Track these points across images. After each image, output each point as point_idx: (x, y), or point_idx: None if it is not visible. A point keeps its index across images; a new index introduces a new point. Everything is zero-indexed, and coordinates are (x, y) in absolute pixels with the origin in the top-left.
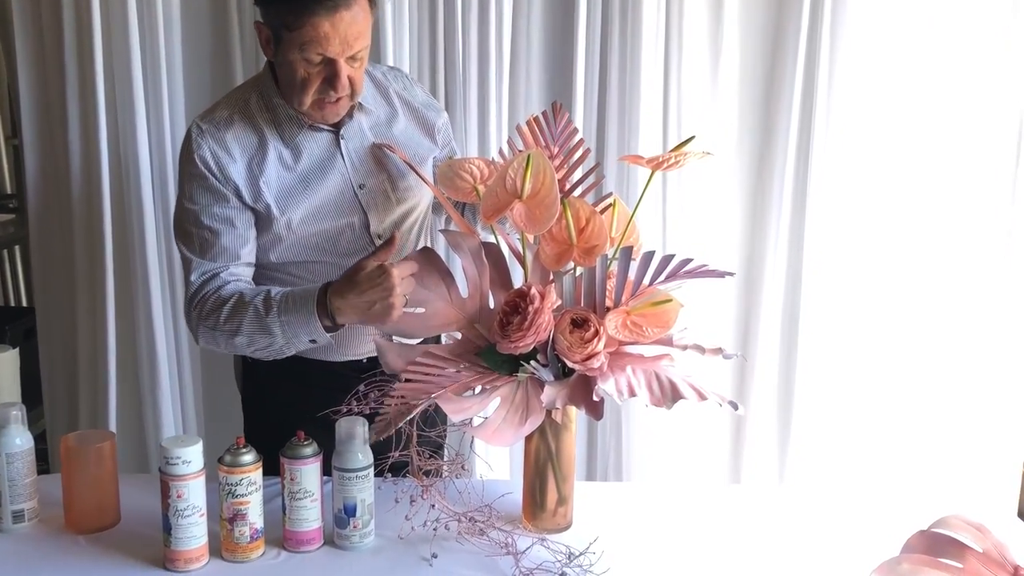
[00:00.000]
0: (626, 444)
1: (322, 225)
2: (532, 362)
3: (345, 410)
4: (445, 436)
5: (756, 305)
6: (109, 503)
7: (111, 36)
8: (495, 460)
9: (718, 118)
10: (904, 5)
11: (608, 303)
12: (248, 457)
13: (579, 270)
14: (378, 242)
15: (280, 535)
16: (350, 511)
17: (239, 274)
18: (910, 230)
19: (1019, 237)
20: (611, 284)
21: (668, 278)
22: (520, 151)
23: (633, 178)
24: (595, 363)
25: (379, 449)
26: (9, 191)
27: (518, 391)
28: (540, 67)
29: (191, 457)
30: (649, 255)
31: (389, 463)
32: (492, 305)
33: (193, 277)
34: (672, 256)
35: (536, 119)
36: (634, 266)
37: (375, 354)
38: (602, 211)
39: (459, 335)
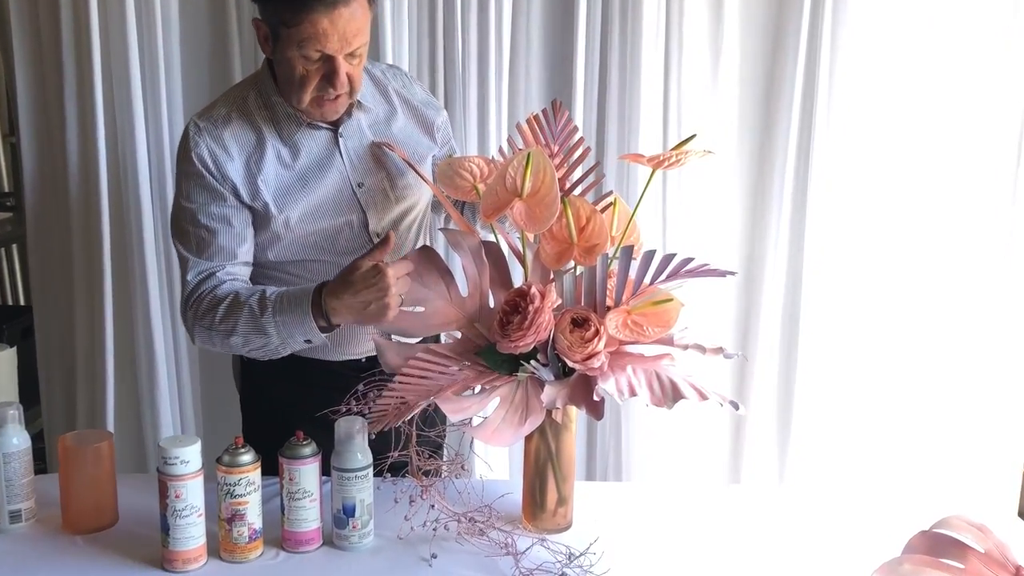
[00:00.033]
0: (626, 444)
1: (320, 224)
2: (532, 362)
3: (344, 410)
4: (444, 436)
5: (756, 304)
6: (107, 503)
7: (109, 34)
8: (494, 460)
9: (718, 116)
10: (905, 4)
11: (609, 302)
12: (247, 457)
13: (579, 269)
14: (377, 241)
15: (279, 535)
16: (349, 511)
17: (236, 273)
18: (911, 230)
19: (1020, 237)
20: (611, 283)
21: (669, 277)
22: (520, 149)
23: (633, 176)
24: (595, 363)
25: (378, 449)
26: (7, 189)
27: (518, 391)
28: (540, 65)
29: (189, 457)
30: (650, 254)
31: (388, 463)
32: (492, 304)
33: (189, 276)
34: (673, 255)
35: (536, 117)
36: (635, 265)
37: (374, 353)
38: (602, 210)
39: (459, 334)
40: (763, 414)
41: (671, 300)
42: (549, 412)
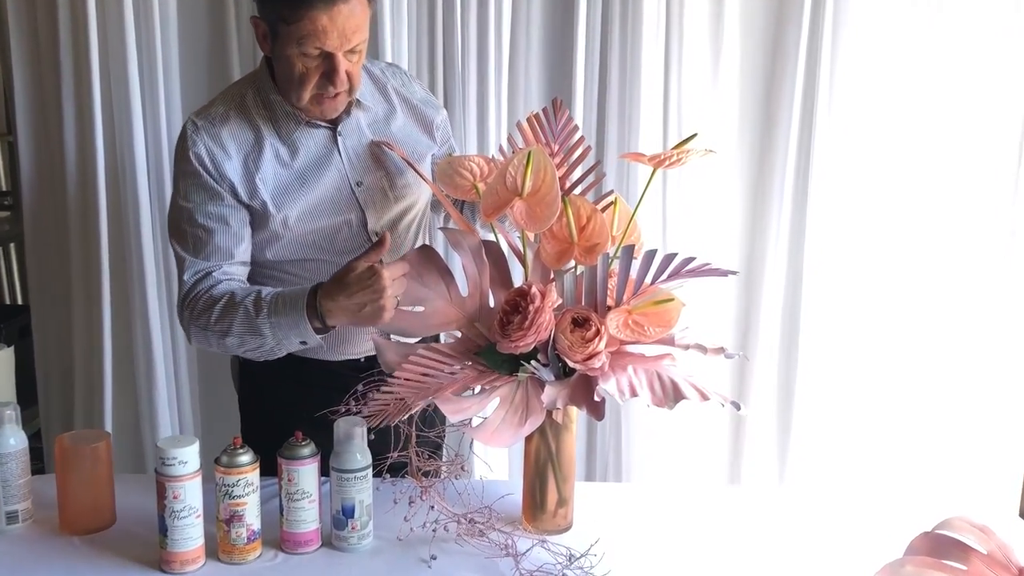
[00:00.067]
0: (625, 444)
1: (319, 223)
2: (532, 362)
3: (343, 410)
4: (444, 436)
5: (756, 303)
6: (104, 504)
7: (107, 32)
8: (493, 460)
9: (719, 115)
10: (906, 1)
11: (609, 302)
12: (245, 458)
13: (580, 269)
14: (377, 239)
15: (277, 536)
16: (348, 512)
17: (232, 273)
18: (912, 229)
19: (1021, 237)
20: (612, 283)
21: (670, 277)
22: (520, 148)
23: (633, 175)
24: (596, 363)
25: (377, 450)
26: (4, 188)
27: (518, 391)
28: (539, 63)
29: (187, 458)
30: (651, 254)
31: (388, 464)
32: (492, 304)
33: (186, 276)
34: (674, 255)
35: (536, 116)
36: (636, 265)
37: (373, 353)
38: (603, 209)
39: (459, 334)
40: (763, 414)
41: (672, 300)
42: (549, 412)
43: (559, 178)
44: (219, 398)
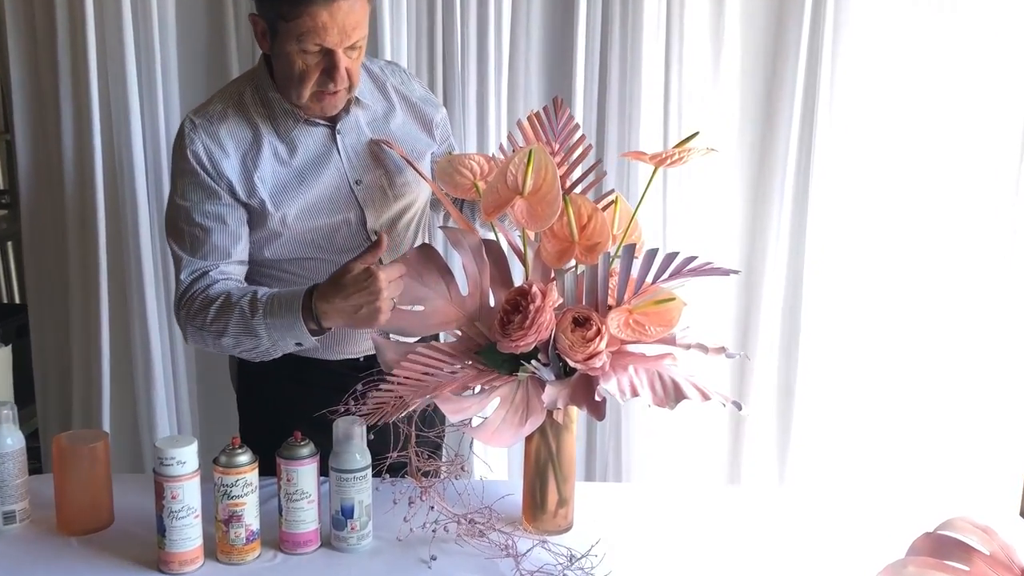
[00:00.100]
0: (625, 444)
1: (318, 221)
2: (533, 361)
3: (342, 410)
4: (444, 436)
5: (756, 302)
6: (102, 504)
7: (104, 30)
8: (493, 461)
9: (719, 112)
10: None
11: (610, 301)
12: (244, 458)
13: (581, 268)
14: (375, 238)
15: (276, 537)
16: (347, 513)
17: (230, 272)
18: (913, 227)
19: (1023, 236)
20: (613, 282)
21: (672, 276)
22: (520, 147)
23: (633, 174)
24: (597, 362)
25: (377, 450)
26: (2, 187)
27: (518, 391)
28: (539, 61)
29: (186, 458)
30: (652, 253)
31: (387, 464)
32: (492, 303)
33: (183, 275)
34: (676, 254)
35: (537, 114)
36: (637, 264)
37: (372, 352)
38: (604, 208)
39: (459, 333)
40: (763, 414)
41: (673, 299)
42: (550, 412)
43: (560, 177)
44: (218, 397)
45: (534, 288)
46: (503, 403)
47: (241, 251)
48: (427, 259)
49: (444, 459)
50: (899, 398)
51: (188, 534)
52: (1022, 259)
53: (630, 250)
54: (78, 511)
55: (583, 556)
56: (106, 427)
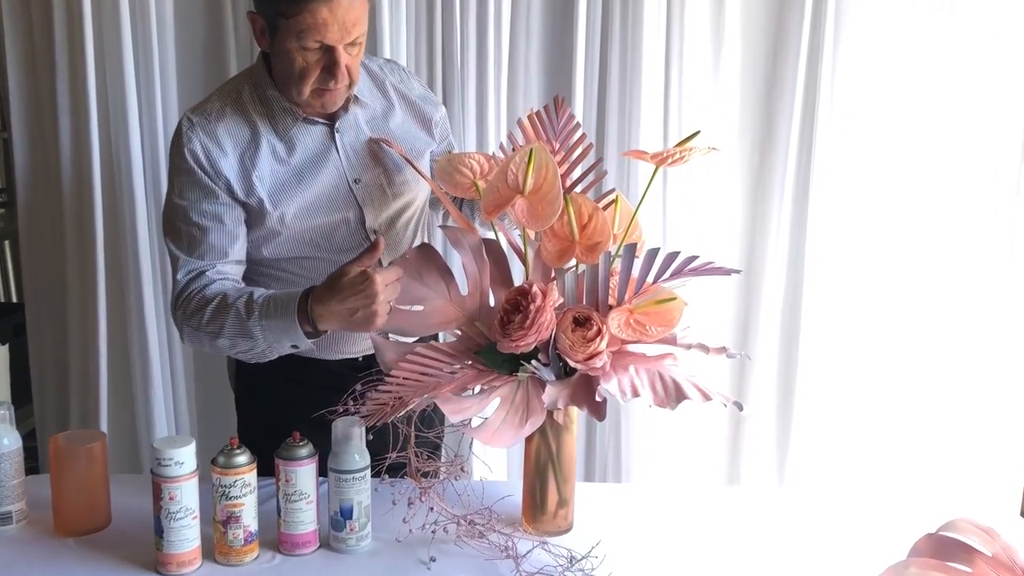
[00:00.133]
0: (625, 444)
1: (316, 220)
2: (533, 361)
3: (341, 410)
4: (443, 436)
5: (756, 302)
6: (99, 505)
7: (102, 27)
8: (492, 461)
9: (720, 110)
10: None
11: (611, 301)
12: (242, 458)
13: (581, 267)
14: (374, 238)
15: (275, 538)
16: (346, 513)
17: (227, 272)
18: (913, 227)
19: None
20: (614, 282)
21: (673, 276)
22: (521, 146)
23: (634, 173)
24: (598, 362)
25: (376, 450)
26: None
27: (518, 391)
28: (539, 60)
29: (184, 458)
30: (653, 252)
31: (386, 464)
32: (492, 303)
33: (179, 275)
34: (677, 253)
35: (538, 113)
36: (638, 263)
37: (371, 352)
38: (604, 207)
39: (459, 333)
40: (763, 414)
41: (674, 299)
42: (550, 413)
43: (560, 176)
44: (216, 397)
45: (534, 288)
46: (503, 403)
47: (238, 251)
48: (427, 259)
49: (443, 460)
50: (899, 398)
51: (186, 535)
52: (1022, 258)
53: (631, 249)
54: (75, 512)
55: (583, 558)
56: (103, 427)
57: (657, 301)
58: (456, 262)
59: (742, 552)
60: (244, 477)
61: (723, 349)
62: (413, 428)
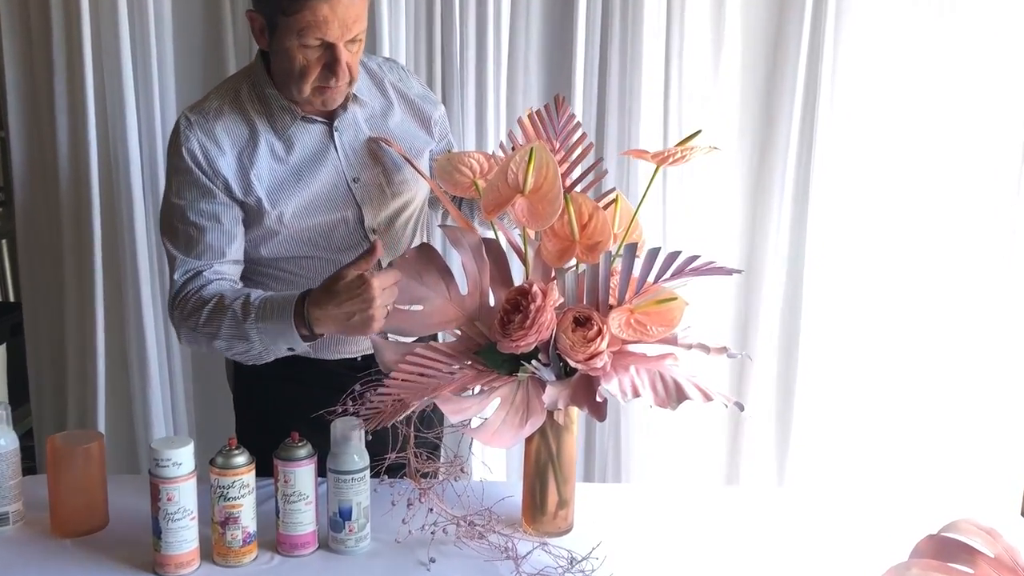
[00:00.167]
0: (625, 444)
1: (315, 219)
2: (533, 361)
3: (340, 410)
4: (442, 437)
5: (756, 302)
6: (97, 506)
7: (100, 25)
8: (492, 462)
9: (720, 110)
10: None
11: (611, 301)
12: (241, 459)
13: (581, 267)
14: (373, 237)
15: (273, 538)
16: (345, 514)
17: (224, 272)
18: (913, 227)
19: (1023, 235)
20: (614, 281)
21: (674, 276)
22: (520, 145)
23: (634, 172)
24: (598, 363)
25: (375, 451)
26: None
27: (518, 391)
28: (539, 58)
29: (182, 459)
30: (654, 252)
31: (386, 465)
32: (492, 303)
33: (176, 275)
34: (677, 253)
35: (538, 112)
36: (638, 263)
37: (370, 352)
38: (605, 207)
39: (459, 333)
40: (762, 414)
41: (675, 299)
42: (550, 413)
43: (560, 175)
44: (214, 398)
45: (535, 287)
46: (503, 404)
47: (236, 251)
48: (426, 258)
49: (443, 460)
50: (899, 398)
51: (184, 536)
52: (1022, 258)
53: (631, 249)
54: (72, 513)
55: (584, 559)
56: (101, 427)
57: (658, 301)
58: (456, 262)
59: (742, 552)
60: (242, 478)
61: (724, 349)
62: (412, 428)
